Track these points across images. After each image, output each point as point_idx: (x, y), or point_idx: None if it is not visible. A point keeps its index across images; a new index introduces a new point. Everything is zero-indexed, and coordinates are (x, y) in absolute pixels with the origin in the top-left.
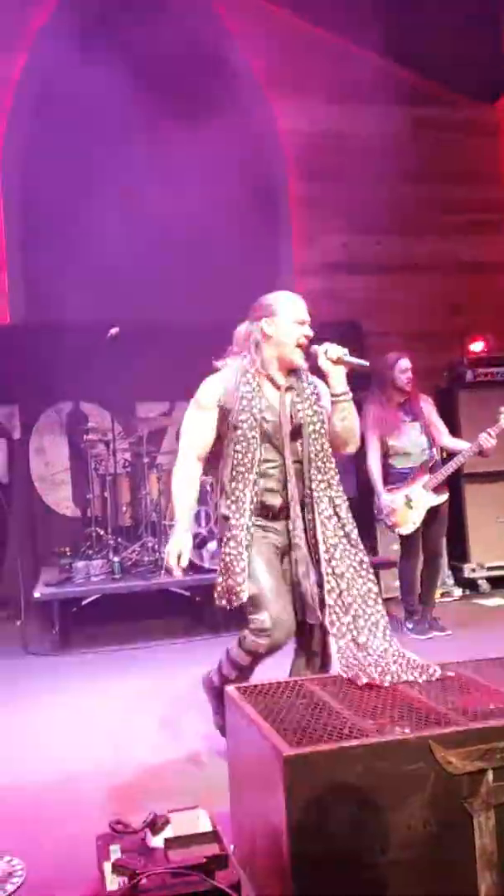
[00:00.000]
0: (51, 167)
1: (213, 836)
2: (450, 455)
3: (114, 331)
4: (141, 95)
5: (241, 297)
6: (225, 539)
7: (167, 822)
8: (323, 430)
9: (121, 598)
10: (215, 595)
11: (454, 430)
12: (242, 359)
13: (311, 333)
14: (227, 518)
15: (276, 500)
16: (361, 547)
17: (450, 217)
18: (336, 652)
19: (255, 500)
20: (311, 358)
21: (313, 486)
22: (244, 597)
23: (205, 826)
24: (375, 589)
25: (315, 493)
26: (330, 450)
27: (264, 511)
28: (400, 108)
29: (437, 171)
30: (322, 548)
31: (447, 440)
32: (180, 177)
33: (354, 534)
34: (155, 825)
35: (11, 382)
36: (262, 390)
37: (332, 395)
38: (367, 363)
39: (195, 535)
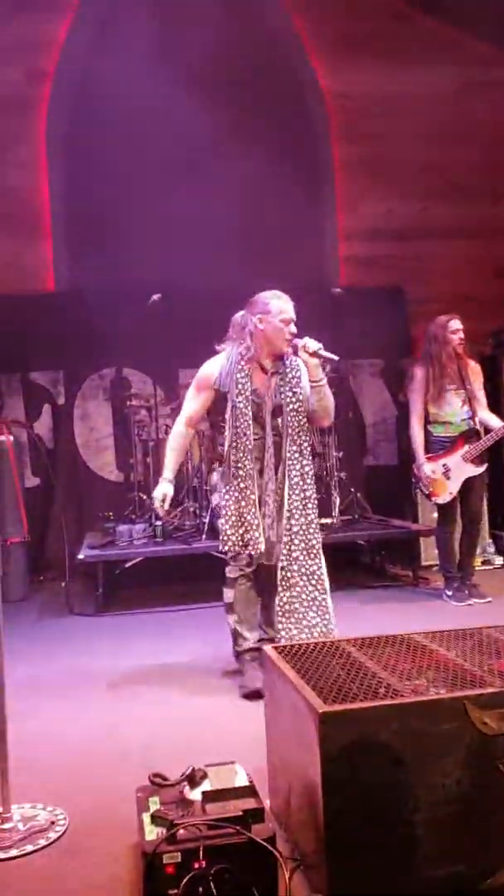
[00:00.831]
0: (96, 133)
1: (250, 791)
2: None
3: (156, 297)
4: (185, 58)
5: (285, 263)
6: (233, 495)
7: (205, 776)
8: (301, 409)
9: (162, 561)
10: (222, 542)
11: (497, 398)
12: (238, 346)
13: (295, 331)
14: (235, 478)
15: (257, 466)
16: (315, 509)
17: (498, 181)
18: (278, 602)
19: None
20: (294, 350)
21: (287, 455)
22: (261, 547)
23: (241, 781)
24: (318, 546)
25: (288, 462)
26: (306, 425)
27: None
28: (449, 68)
29: (485, 134)
30: (286, 507)
31: (483, 413)
32: (224, 141)
33: (313, 497)
34: (193, 779)
35: (56, 349)
36: (252, 375)
37: (310, 381)
38: (337, 358)
39: None
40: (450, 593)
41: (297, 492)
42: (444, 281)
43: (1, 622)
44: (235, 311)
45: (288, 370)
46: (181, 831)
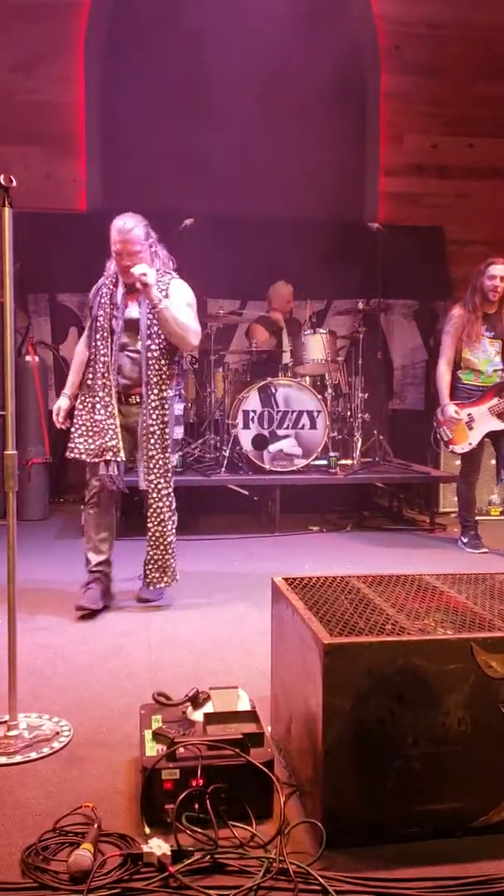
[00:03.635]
0: (131, 54)
1: (251, 716)
2: None
3: (188, 222)
4: None
5: (323, 195)
6: (86, 406)
7: (208, 698)
8: (160, 330)
9: (181, 491)
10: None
11: None
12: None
13: (128, 263)
14: (91, 390)
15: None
16: (167, 440)
17: None
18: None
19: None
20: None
21: (146, 377)
22: (122, 456)
23: (244, 706)
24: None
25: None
26: (171, 347)
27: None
28: None
29: None
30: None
31: None
32: (264, 65)
33: (169, 427)
34: (196, 700)
35: (85, 271)
36: (116, 292)
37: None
38: (157, 299)
39: (256, 436)
40: (465, 540)
41: (154, 416)
42: (487, 222)
43: (14, 535)
44: (269, 241)
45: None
46: (181, 749)
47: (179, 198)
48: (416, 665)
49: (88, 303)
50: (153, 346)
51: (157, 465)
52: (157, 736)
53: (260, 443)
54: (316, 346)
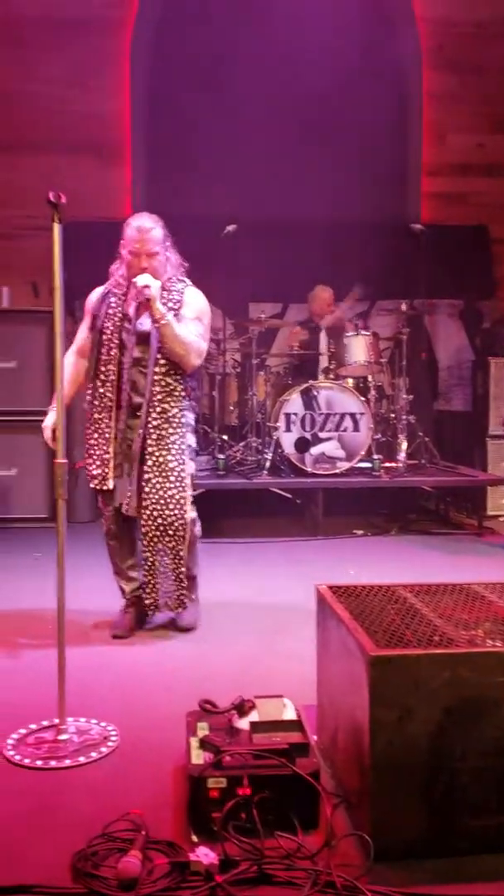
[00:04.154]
0: (178, 59)
1: (297, 725)
2: None
3: (231, 228)
4: None
5: (365, 196)
6: (90, 427)
7: (253, 706)
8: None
9: (224, 494)
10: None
11: None
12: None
13: (146, 265)
14: (91, 409)
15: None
16: (180, 457)
17: None
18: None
19: None
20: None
21: (150, 394)
22: (109, 485)
23: (290, 715)
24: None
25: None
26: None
27: None
28: None
29: None
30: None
31: None
32: (305, 68)
33: (178, 443)
34: (242, 708)
35: None
36: (128, 301)
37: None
38: (148, 297)
39: (298, 438)
40: None
41: (154, 436)
42: None
43: (64, 541)
44: (309, 245)
45: (166, 299)
46: (227, 758)
47: (221, 204)
48: (464, 677)
49: (86, 310)
50: (162, 360)
51: (155, 490)
52: (204, 744)
53: (302, 445)
54: (359, 348)
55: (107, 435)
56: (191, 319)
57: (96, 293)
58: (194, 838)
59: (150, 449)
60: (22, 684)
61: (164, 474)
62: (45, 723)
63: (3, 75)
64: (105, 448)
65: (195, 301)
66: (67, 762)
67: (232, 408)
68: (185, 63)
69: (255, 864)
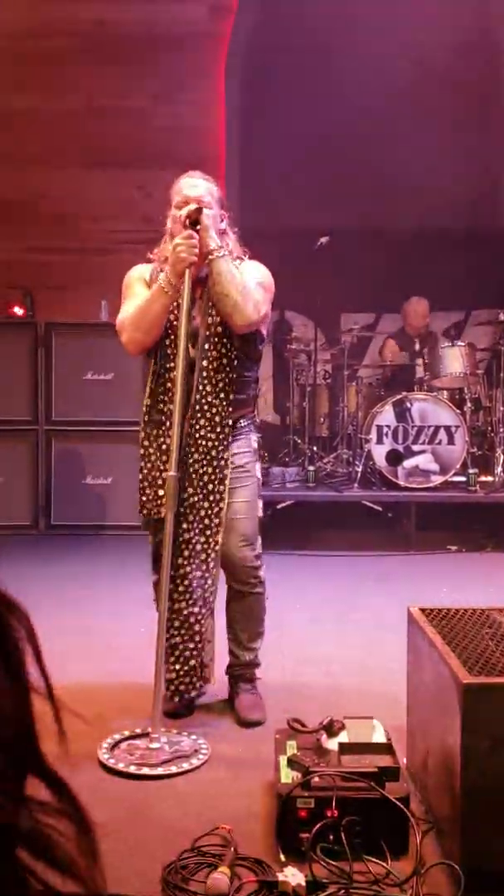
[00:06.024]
0: (273, 70)
1: (387, 748)
2: None
3: (324, 240)
4: None
5: (457, 204)
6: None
7: (343, 727)
8: (221, 332)
9: (313, 506)
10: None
11: None
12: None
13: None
14: (150, 423)
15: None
16: (221, 471)
17: None
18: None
19: None
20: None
21: (198, 397)
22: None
23: (379, 737)
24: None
25: (197, 406)
26: (233, 353)
27: None
28: None
29: None
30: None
31: None
32: (396, 79)
33: (224, 457)
34: (331, 728)
35: None
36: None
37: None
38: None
39: (390, 451)
40: None
41: (201, 446)
42: None
43: (170, 556)
44: (403, 253)
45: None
46: (316, 779)
47: (314, 215)
48: None
49: (129, 283)
50: (211, 354)
51: (199, 518)
52: (292, 763)
53: (394, 458)
54: (454, 359)
55: (164, 448)
56: (249, 280)
57: (139, 269)
58: (282, 857)
59: (198, 463)
60: (117, 691)
61: (208, 498)
62: (137, 730)
63: (100, 91)
64: (161, 467)
65: (256, 268)
66: (159, 770)
67: (322, 419)
68: (279, 76)
69: (343, 887)
